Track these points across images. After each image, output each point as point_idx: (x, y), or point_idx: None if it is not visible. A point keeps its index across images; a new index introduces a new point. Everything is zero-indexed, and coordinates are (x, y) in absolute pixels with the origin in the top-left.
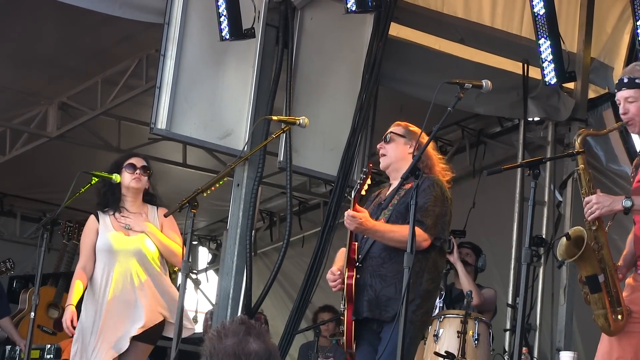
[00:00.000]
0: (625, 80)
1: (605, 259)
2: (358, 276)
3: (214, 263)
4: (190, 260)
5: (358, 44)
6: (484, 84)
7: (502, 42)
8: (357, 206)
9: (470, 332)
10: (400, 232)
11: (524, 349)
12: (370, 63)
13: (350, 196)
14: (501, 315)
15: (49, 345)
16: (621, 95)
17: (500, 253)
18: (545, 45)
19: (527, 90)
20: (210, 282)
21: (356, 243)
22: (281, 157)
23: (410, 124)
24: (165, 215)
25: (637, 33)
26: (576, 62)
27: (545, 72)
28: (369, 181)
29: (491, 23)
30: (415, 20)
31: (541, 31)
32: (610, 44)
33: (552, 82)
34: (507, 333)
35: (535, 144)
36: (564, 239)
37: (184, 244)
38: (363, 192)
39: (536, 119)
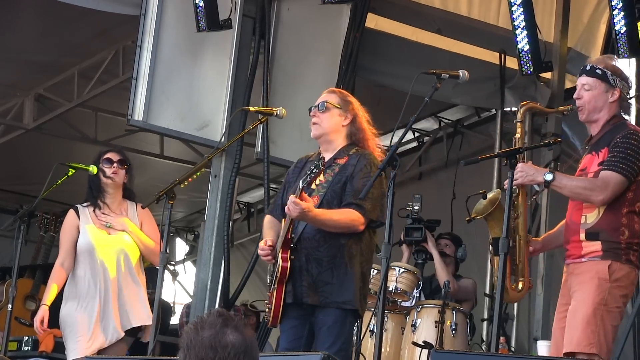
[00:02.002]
0: (588, 68)
1: (519, 228)
2: (292, 257)
3: (192, 254)
4: (167, 251)
5: (335, 35)
6: (461, 74)
7: (479, 33)
8: (304, 195)
9: (448, 322)
10: (341, 220)
11: (502, 339)
12: (347, 54)
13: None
14: (479, 305)
15: (26, 337)
16: (580, 81)
17: (477, 243)
18: (522, 36)
19: (504, 81)
20: (187, 273)
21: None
22: (258, 148)
23: (346, 93)
24: (143, 207)
25: (614, 23)
26: (553, 52)
27: (522, 62)
28: (321, 177)
29: (468, 13)
30: (392, 11)
31: (518, 21)
32: (586, 33)
33: (529, 72)
34: (485, 323)
35: (512, 134)
36: (482, 200)
37: (162, 235)
38: (313, 186)
39: (513, 109)
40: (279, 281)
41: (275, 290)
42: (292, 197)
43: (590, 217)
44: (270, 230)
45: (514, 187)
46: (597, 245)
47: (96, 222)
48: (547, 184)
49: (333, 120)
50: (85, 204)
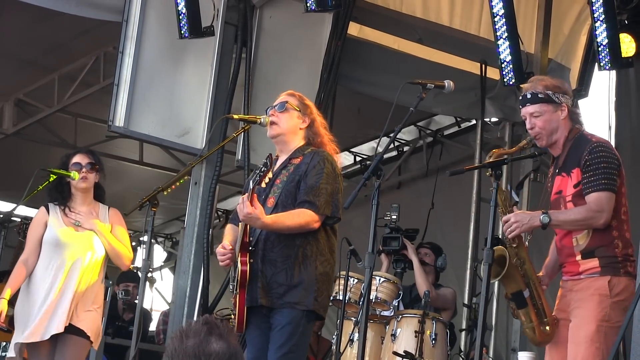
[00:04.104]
0: (529, 96)
1: (529, 273)
2: (252, 261)
3: (169, 261)
4: (148, 258)
5: (317, 43)
6: (447, 84)
7: (460, 43)
8: (256, 199)
9: (428, 332)
10: (294, 224)
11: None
12: (329, 62)
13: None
14: (457, 315)
15: (4, 343)
16: (526, 111)
17: (456, 253)
18: (504, 46)
19: (485, 91)
20: (164, 280)
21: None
22: (239, 156)
23: (305, 97)
24: (127, 214)
25: (596, 34)
26: (534, 63)
27: (504, 72)
28: (270, 175)
29: (449, 23)
30: (374, 20)
31: (500, 32)
32: (567, 45)
33: (511, 83)
34: (463, 333)
35: (492, 144)
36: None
37: (144, 242)
38: (263, 185)
39: (493, 119)
40: (241, 285)
41: (238, 295)
42: (243, 197)
43: (582, 239)
44: (228, 234)
45: (513, 238)
46: (594, 262)
47: (65, 220)
48: (545, 226)
49: (292, 122)
50: (56, 202)
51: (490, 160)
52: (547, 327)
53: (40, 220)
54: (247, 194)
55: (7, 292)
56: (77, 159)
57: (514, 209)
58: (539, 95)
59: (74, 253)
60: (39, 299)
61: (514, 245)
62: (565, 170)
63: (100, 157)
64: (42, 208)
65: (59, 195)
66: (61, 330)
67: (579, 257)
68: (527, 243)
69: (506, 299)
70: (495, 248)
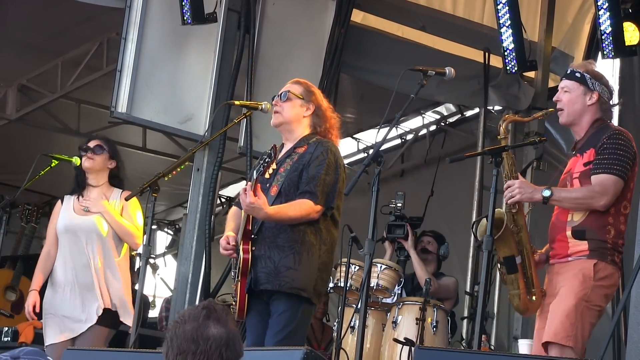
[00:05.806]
0: (568, 72)
1: (523, 241)
2: (254, 248)
3: (172, 247)
4: (148, 244)
5: (320, 30)
6: (447, 71)
7: (464, 30)
8: (259, 189)
9: (429, 320)
10: (296, 215)
11: (483, 336)
12: (332, 50)
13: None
14: (459, 303)
15: (6, 328)
16: (560, 84)
17: (459, 241)
18: (507, 34)
19: (488, 79)
20: (168, 266)
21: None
22: (241, 143)
23: (310, 84)
24: (127, 199)
25: (599, 23)
26: (537, 51)
27: (507, 60)
28: (274, 165)
29: (453, 11)
30: (377, 7)
31: (503, 20)
32: (570, 33)
33: (514, 71)
34: (465, 321)
35: (495, 132)
36: (484, 220)
37: (145, 228)
38: (267, 175)
39: (496, 107)
40: (242, 273)
41: (239, 283)
42: (245, 187)
43: (577, 215)
44: (232, 221)
45: (513, 204)
46: (584, 245)
47: (76, 208)
48: (545, 200)
49: (294, 110)
50: (72, 193)
51: (503, 125)
52: (534, 297)
53: (55, 213)
54: (250, 183)
55: (37, 284)
56: (87, 143)
57: (518, 176)
58: (576, 74)
59: (83, 236)
60: (63, 292)
61: (514, 211)
62: (581, 151)
63: None
64: (58, 202)
65: (76, 185)
66: (92, 321)
67: (569, 233)
68: (527, 215)
69: (498, 263)
70: (495, 210)
